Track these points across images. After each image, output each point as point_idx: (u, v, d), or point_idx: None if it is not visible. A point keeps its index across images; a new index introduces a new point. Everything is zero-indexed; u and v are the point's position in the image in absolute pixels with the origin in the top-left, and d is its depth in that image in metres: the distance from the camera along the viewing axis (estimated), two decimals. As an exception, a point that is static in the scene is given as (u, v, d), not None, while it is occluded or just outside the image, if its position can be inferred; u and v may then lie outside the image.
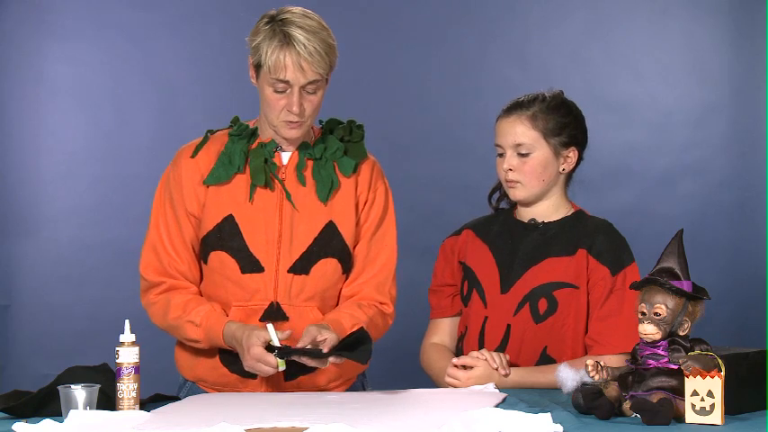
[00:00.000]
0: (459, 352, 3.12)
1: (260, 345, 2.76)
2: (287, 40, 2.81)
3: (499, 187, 3.18)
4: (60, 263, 4.82)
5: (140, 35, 4.87)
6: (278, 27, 2.83)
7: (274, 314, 2.90)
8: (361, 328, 2.77)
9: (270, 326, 2.80)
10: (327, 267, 2.95)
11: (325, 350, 2.74)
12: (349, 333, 2.78)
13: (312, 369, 2.92)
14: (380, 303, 3.00)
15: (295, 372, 2.91)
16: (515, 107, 3.10)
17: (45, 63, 4.82)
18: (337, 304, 3.00)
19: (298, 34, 2.81)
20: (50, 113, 4.84)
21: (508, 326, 3.05)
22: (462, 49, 5.01)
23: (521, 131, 3.07)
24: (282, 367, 2.77)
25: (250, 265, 2.91)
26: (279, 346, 2.76)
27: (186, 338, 2.93)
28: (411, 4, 5.01)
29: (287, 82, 2.83)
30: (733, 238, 5.10)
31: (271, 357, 2.75)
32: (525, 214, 3.14)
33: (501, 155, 3.11)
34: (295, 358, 2.76)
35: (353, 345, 2.75)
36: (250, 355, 2.76)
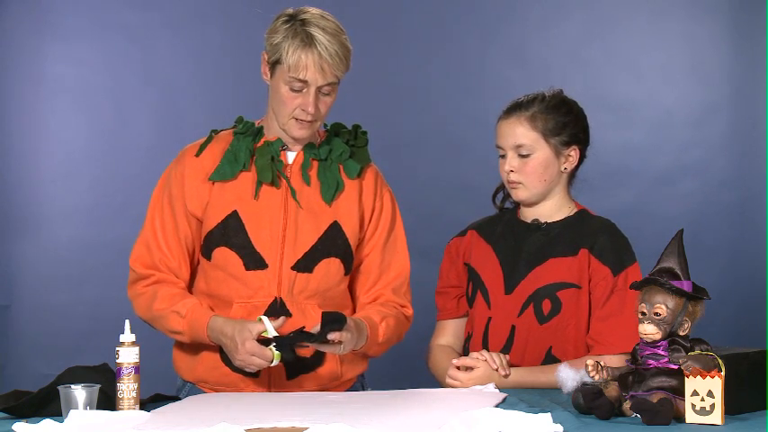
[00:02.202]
0: (465, 353, 3.11)
1: (254, 338, 2.76)
2: (309, 41, 2.83)
3: (503, 188, 3.18)
4: (60, 263, 4.82)
5: (140, 35, 4.87)
6: (299, 27, 2.84)
7: (277, 311, 2.90)
8: (329, 312, 2.80)
9: (264, 318, 2.80)
10: (331, 267, 2.95)
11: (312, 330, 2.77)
12: (324, 314, 2.79)
13: (313, 368, 2.93)
14: (401, 306, 3.03)
15: (296, 371, 2.92)
16: (515, 108, 3.10)
17: (45, 63, 4.82)
18: (353, 307, 3.03)
19: (319, 35, 2.83)
20: (50, 113, 4.84)
21: (513, 327, 3.05)
22: (462, 49, 5.01)
23: (520, 132, 3.07)
24: (277, 361, 2.77)
25: (254, 261, 2.92)
26: (276, 336, 2.76)
27: (169, 329, 2.92)
28: (411, 4, 5.01)
29: (305, 82, 2.85)
30: (733, 238, 5.10)
31: (267, 351, 2.75)
32: (528, 214, 3.14)
33: (502, 156, 3.11)
34: (300, 345, 2.78)
35: (332, 323, 2.77)
36: (245, 348, 2.76)
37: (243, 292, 2.93)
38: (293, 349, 2.78)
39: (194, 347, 2.98)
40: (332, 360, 2.96)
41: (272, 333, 2.77)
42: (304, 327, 2.80)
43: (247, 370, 2.84)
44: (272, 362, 2.77)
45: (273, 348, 2.76)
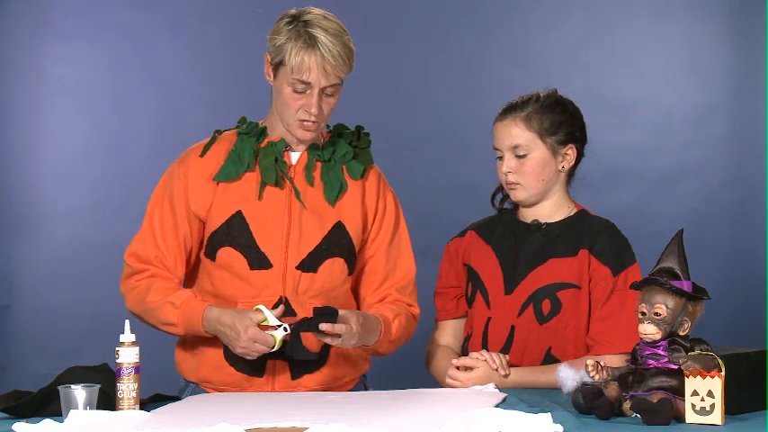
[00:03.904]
0: (464, 353, 3.12)
1: (255, 325, 2.77)
2: (312, 42, 2.83)
3: (501, 189, 3.18)
4: (60, 263, 4.81)
5: (140, 35, 4.87)
6: (302, 28, 2.84)
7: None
8: (319, 306, 2.81)
9: (262, 306, 2.81)
10: (335, 266, 2.96)
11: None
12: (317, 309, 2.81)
13: (316, 368, 2.94)
14: (408, 305, 3.04)
15: (299, 371, 2.93)
16: (510, 109, 3.10)
17: (45, 63, 4.82)
18: (357, 308, 3.03)
19: (322, 37, 2.83)
20: (50, 113, 4.84)
21: (512, 327, 3.05)
22: (462, 49, 5.01)
23: (516, 133, 3.07)
24: (278, 346, 2.78)
25: (258, 261, 2.92)
26: (279, 324, 2.78)
27: (162, 321, 2.91)
28: (411, 4, 5.01)
29: (308, 83, 2.85)
30: (733, 238, 5.10)
31: (268, 336, 2.77)
32: (528, 214, 3.14)
33: (500, 157, 3.11)
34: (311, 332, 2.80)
35: (322, 315, 2.79)
36: (247, 335, 2.77)
37: (248, 292, 2.93)
38: (300, 341, 2.80)
39: (197, 348, 2.98)
40: (335, 360, 2.97)
41: (272, 321, 2.79)
42: (305, 318, 2.82)
43: (248, 358, 2.84)
44: (273, 347, 2.78)
45: (274, 334, 2.77)
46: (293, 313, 2.90)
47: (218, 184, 2.96)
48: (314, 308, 2.81)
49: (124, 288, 2.99)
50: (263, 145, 2.99)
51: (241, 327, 2.78)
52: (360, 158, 3.03)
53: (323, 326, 2.76)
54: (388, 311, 2.96)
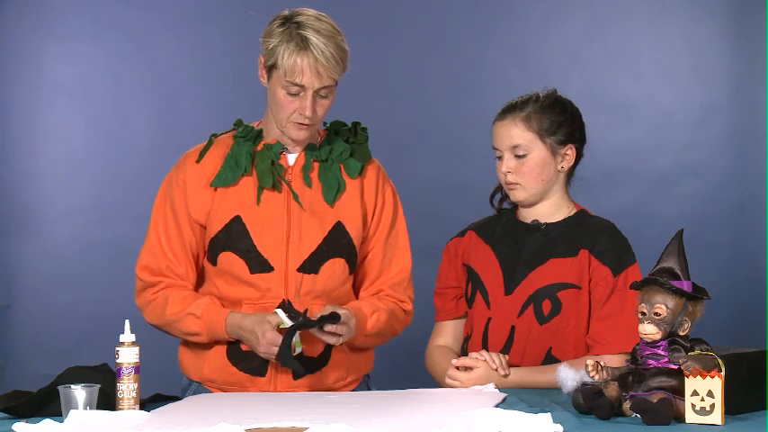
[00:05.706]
0: (464, 353, 3.12)
1: (273, 329, 2.79)
2: (304, 45, 2.81)
3: (500, 189, 3.18)
4: (60, 263, 4.82)
5: (140, 35, 4.87)
6: (294, 30, 2.83)
7: (286, 311, 2.90)
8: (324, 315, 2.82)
9: (279, 311, 2.82)
10: (336, 267, 2.96)
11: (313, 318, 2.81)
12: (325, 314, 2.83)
13: (319, 368, 2.94)
14: (400, 301, 3.04)
15: (303, 371, 2.93)
16: (509, 109, 3.10)
17: (45, 63, 4.82)
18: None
19: (314, 38, 2.81)
20: (50, 113, 4.84)
21: (512, 327, 3.05)
22: (462, 49, 5.01)
23: (516, 133, 3.07)
24: (299, 349, 2.82)
25: (259, 265, 2.92)
26: (291, 324, 2.80)
27: (186, 332, 2.93)
28: (411, 4, 5.02)
29: (302, 86, 2.84)
30: (733, 238, 5.10)
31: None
32: (527, 215, 3.14)
33: (499, 158, 3.11)
34: (312, 331, 2.82)
35: (329, 319, 2.81)
36: (266, 340, 2.79)
37: (251, 295, 2.93)
38: (289, 349, 2.81)
39: (200, 347, 2.99)
40: (337, 361, 2.97)
41: (288, 324, 2.80)
42: (307, 310, 2.83)
43: (273, 360, 2.85)
44: (294, 350, 2.80)
45: (295, 338, 2.80)
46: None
47: (215, 189, 2.96)
48: (320, 316, 2.82)
49: (140, 302, 3.00)
50: (259, 148, 2.98)
51: (260, 331, 2.80)
52: (357, 155, 3.02)
53: (329, 327, 2.79)
54: (366, 306, 2.95)
